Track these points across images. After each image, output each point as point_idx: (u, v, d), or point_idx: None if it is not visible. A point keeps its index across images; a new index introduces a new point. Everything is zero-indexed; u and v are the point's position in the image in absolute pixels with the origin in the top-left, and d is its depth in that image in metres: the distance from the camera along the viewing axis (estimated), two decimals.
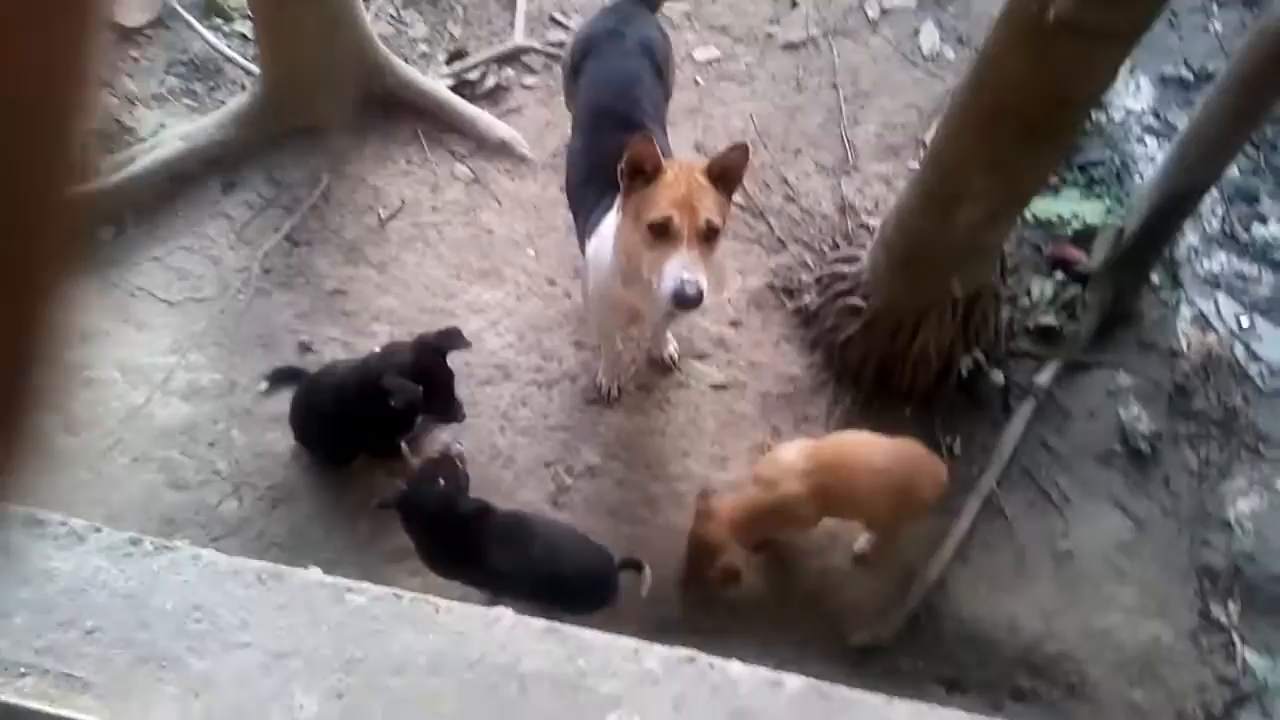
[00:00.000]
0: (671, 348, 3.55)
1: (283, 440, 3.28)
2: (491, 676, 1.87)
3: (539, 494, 3.25)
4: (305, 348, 3.47)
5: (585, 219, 2.99)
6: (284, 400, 3.28)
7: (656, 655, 1.88)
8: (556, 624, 1.87)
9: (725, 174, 2.54)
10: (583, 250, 3.06)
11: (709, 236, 2.49)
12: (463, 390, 3.41)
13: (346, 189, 3.83)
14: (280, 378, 3.34)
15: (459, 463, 2.73)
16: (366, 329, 3.53)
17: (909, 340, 3.39)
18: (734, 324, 3.68)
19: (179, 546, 1.99)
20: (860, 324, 3.45)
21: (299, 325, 3.53)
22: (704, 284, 2.44)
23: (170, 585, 1.91)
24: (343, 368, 3.14)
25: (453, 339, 2.96)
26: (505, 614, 1.91)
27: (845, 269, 3.59)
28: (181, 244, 3.68)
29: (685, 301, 2.43)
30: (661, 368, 3.55)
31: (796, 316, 3.70)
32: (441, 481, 2.64)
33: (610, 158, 2.61)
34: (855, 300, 3.48)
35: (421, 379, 2.84)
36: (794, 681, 1.84)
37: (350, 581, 1.95)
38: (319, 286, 3.61)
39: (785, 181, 4.02)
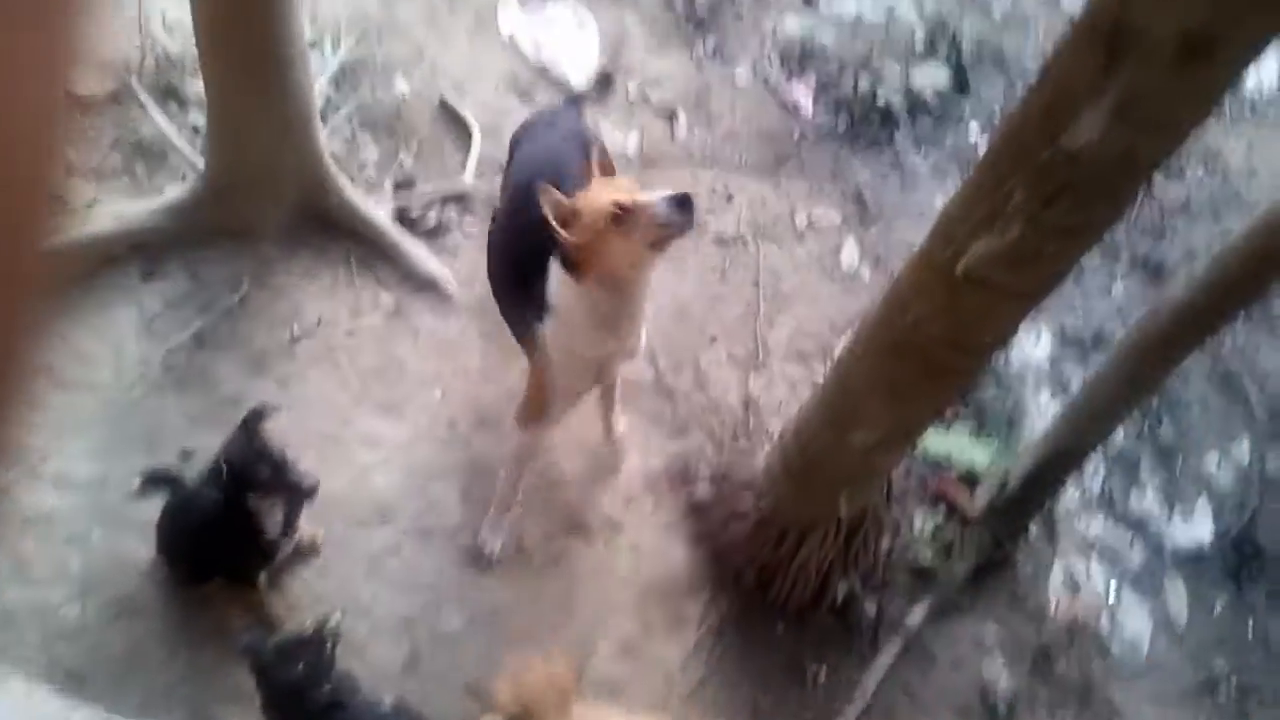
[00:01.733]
0: (622, 424, 3.60)
1: (143, 549, 3.13)
2: None
3: (393, 655, 3.12)
4: (187, 454, 3.34)
5: (523, 296, 2.97)
6: (154, 506, 3.11)
7: None
8: None
9: None
10: (519, 337, 3.10)
11: None
12: (338, 528, 3.33)
13: (265, 298, 3.77)
14: (154, 480, 3.19)
15: (329, 644, 2.58)
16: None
17: (792, 551, 3.42)
18: (627, 501, 3.68)
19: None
20: (747, 527, 3.48)
21: (187, 429, 3.41)
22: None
23: None
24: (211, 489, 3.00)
25: (255, 415, 2.87)
26: None
27: (741, 467, 3.64)
28: (88, 324, 3.55)
29: (684, 203, 2.48)
30: (607, 460, 3.67)
31: (688, 507, 3.71)
32: (301, 666, 2.51)
33: (535, 226, 2.65)
34: (745, 503, 3.51)
35: (249, 460, 2.79)
36: None
37: None
38: (216, 392, 3.51)
39: (696, 366, 4.09)
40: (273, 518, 2.89)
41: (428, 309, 3.92)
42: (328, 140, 4.05)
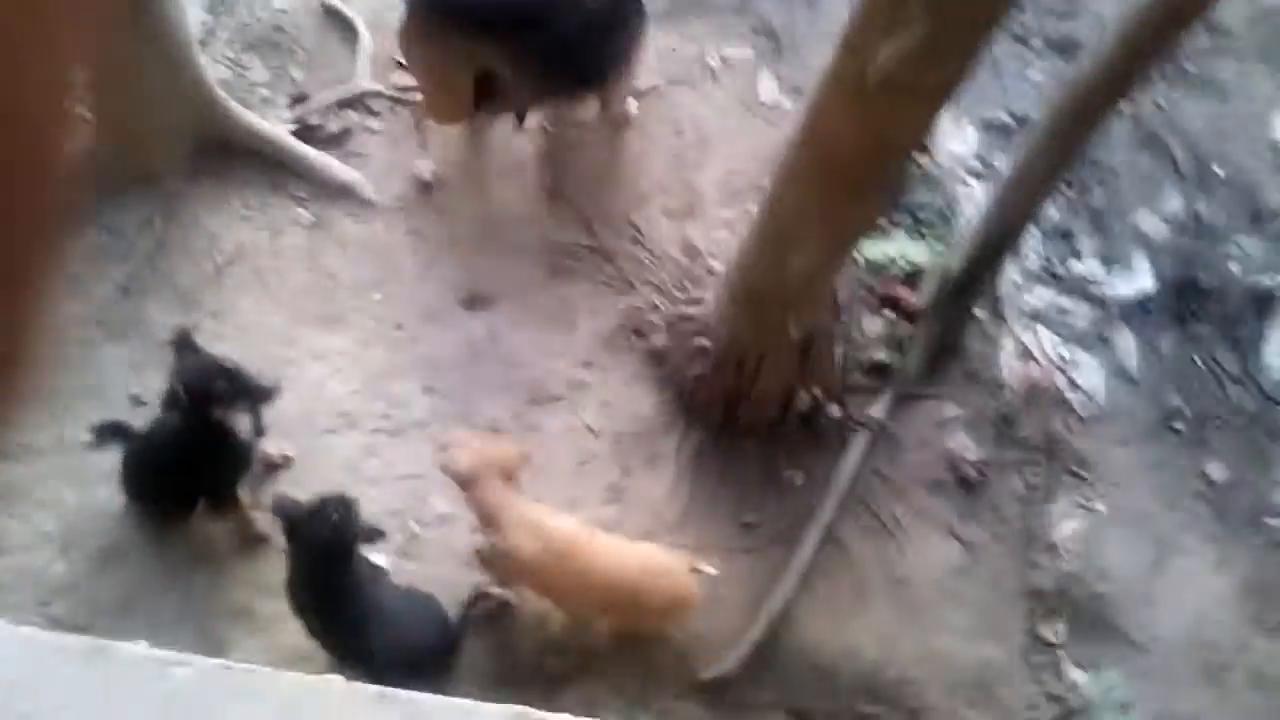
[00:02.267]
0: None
1: (115, 498, 3.15)
2: None
3: (388, 545, 3.19)
4: (137, 401, 3.34)
5: None
6: (116, 456, 3.13)
7: (488, 714, 1.89)
8: (387, 689, 1.86)
9: None
10: None
11: None
12: (305, 441, 3.38)
13: (181, 235, 3.73)
14: (105, 433, 3.19)
15: (354, 502, 2.72)
16: None
17: (752, 378, 3.50)
18: (586, 365, 3.73)
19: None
20: (707, 364, 3.55)
21: (131, 378, 3.40)
22: None
23: None
24: (171, 417, 3.03)
25: (182, 336, 2.94)
26: (336, 681, 1.88)
27: (692, 311, 3.69)
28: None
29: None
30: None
31: (647, 357, 3.77)
32: (334, 519, 2.66)
33: None
34: (702, 341, 3.57)
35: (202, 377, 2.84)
36: None
37: (178, 655, 1.89)
38: (152, 337, 3.49)
39: (633, 225, 4.10)
40: (240, 423, 2.93)
41: (348, 217, 3.88)
42: (213, 67, 3.95)
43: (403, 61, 4.17)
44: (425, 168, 3.99)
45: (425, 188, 3.99)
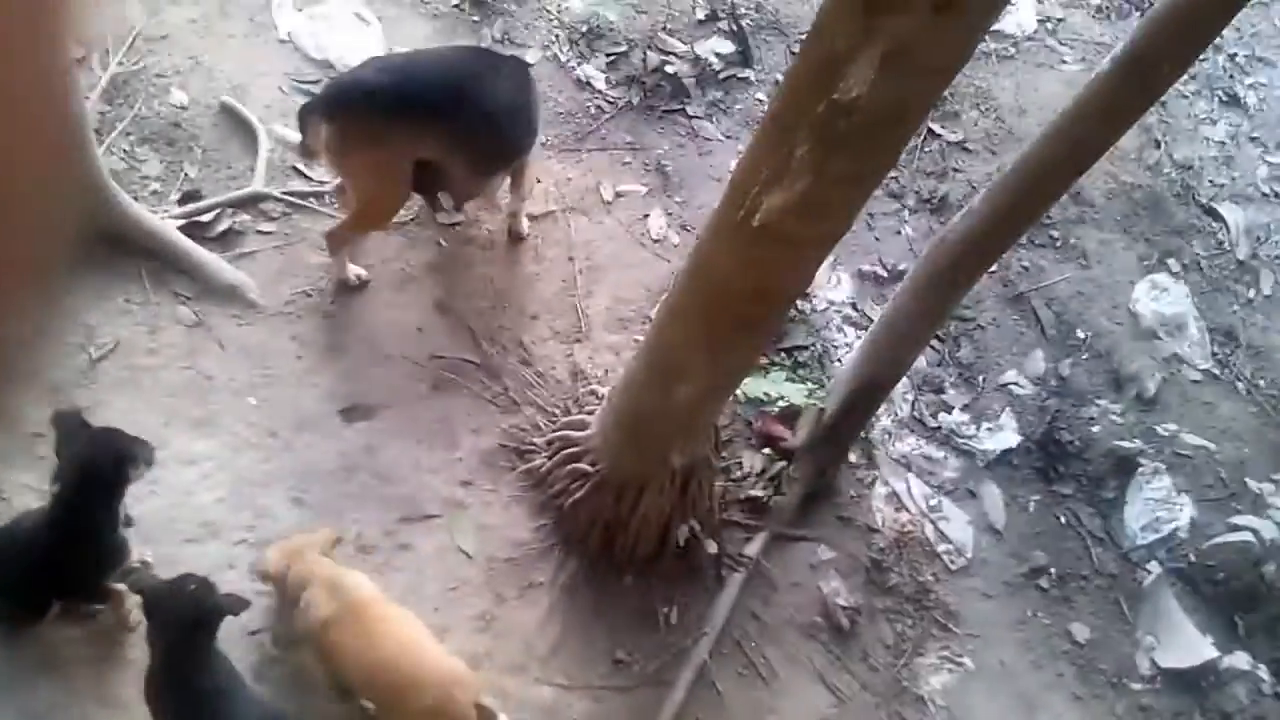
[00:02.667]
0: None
1: None
2: None
3: (240, 665, 3.02)
4: None
5: None
6: None
7: None
8: None
9: None
10: None
11: None
12: (166, 548, 3.22)
13: (56, 325, 3.57)
14: None
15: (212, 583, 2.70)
16: None
17: (632, 507, 3.49)
18: (465, 484, 3.67)
19: None
20: (587, 488, 3.53)
21: None
22: None
23: None
24: (37, 512, 2.94)
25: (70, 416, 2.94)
26: None
27: (575, 434, 3.68)
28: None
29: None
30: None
31: (527, 479, 3.74)
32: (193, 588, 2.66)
33: None
34: (584, 465, 3.56)
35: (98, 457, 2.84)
36: None
37: None
38: (15, 428, 3.30)
39: (521, 345, 4.11)
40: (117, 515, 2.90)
41: (230, 318, 3.79)
42: (105, 158, 3.88)
43: (305, 170, 4.20)
44: (353, 271, 3.98)
45: (349, 289, 3.99)
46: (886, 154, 2.47)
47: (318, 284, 4.00)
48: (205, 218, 4.00)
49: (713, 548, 3.63)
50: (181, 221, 3.94)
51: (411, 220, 4.24)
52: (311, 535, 3.09)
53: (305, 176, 4.29)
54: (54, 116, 0.57)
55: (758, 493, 3.84)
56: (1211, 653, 3.90)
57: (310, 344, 3.83)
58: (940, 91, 2.34)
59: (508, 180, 4.16)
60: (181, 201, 4.04)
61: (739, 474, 3.89)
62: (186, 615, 2.63)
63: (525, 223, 4.36)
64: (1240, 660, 3.92)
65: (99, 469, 2.84)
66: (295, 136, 3.76)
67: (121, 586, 2.98)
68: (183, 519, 3.27)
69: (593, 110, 5.11)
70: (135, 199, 3.89)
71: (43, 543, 2.85)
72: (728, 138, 5.22)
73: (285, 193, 4.19)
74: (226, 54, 4.52)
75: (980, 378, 4.65)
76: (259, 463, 3.48)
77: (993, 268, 4.47)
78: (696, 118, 5.24)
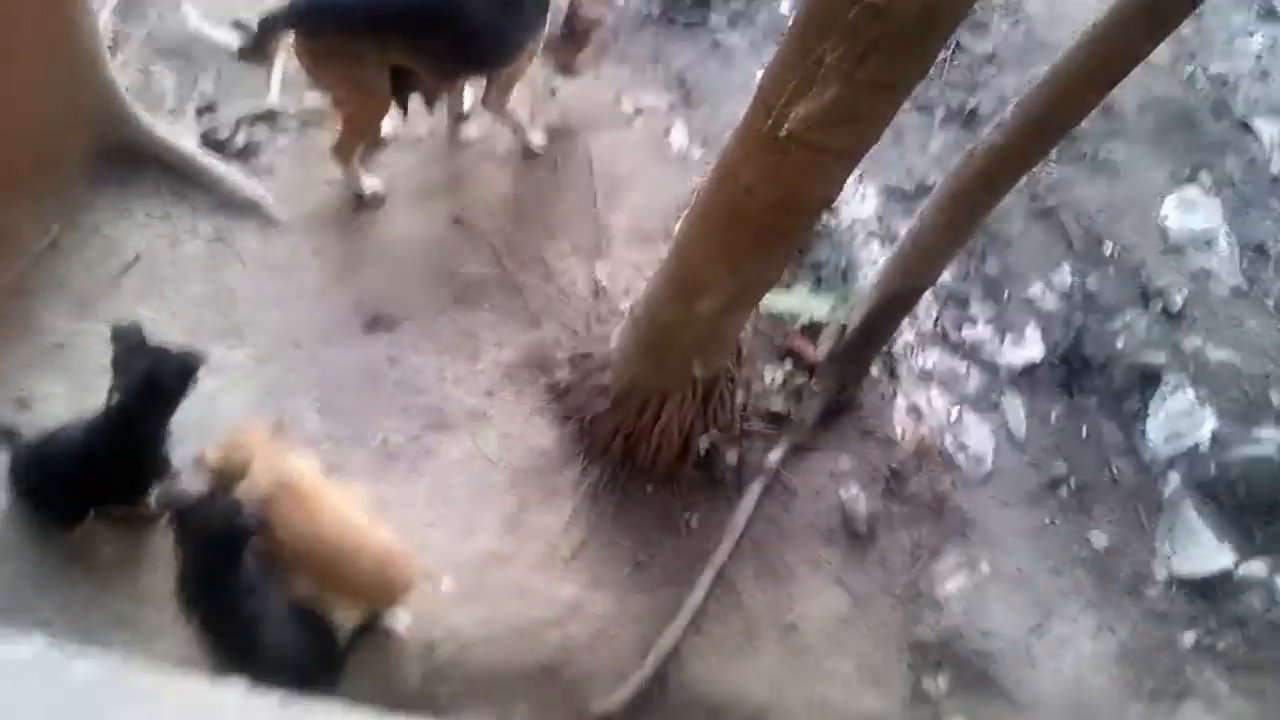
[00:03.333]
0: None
1: None
2: None
3: None
4: (22, 404, 3.22)
5: None
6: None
7: None
8: (290, 697, 1.79)
9: None
10: None
11: None
12: (194, 454, 3.26)
13: (79, 239, 3.61)
14: None
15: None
16: (92, 384, 3.27)
17: (654, 418, 3.52)
18: (488, 395, 3.70)
19: None
20: (609, 401, 3.56)
21: (19, 379, 3.26)
22: None
23: None
24: (83, 422, 3.02)
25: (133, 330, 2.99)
26: (238, 684, 1.80)
27: (596, 349, 3.70)
28: None
29: None
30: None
31: (550, 392, 3.76)
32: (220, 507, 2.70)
33: None
34: (605, 379, 3.59)
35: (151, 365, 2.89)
36: None
37: (77, 649, 1.80)
38: (43, 339, 3.37)
39: (543, 261, 4.11)
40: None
41: (251, 232, 3.81)
42: (121, 74, 3.86)
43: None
44: (370, 183, 3.97)
45: (364, 202, 3.98)
46: (918, 61, 2.40)
47: (336, 198, 3.99)
48: (222, 132, 4.00)
49: (733, 457, 3.65)
50: (199, 136, 3.93)
51: (428, 135, 4.22)
52: (249, 429, 3.08)
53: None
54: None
55: (779, 405, 3.85)
56: (1228, 561, 3.91)
57: (331, 258, 3.84)
58: None
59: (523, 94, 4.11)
60: (198, 115, 4.03)
61: (761, 387, 3.89)
62: (214, 533, 2.67)
63: (538, 137, 4.32)
64: (1257, 569, 3.92)
65: (164, 382, 2.89)
66: (229, 40, 3.82)
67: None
68: (211, 427, 3.30)
69: (611, 23, 5.02)
70: (152, 114, 3.88)
71: (91, 452, 2.92)
72: (751, 49, 5.13)
73: (301, 108, 4.16)
74: None
75: (1005, 291, 4.60)
76: (284, 372, 3.53)
77: (1021, 181, 4.41)
78: (719, 29, 5.14)
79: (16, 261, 3.50)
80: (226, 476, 2.95)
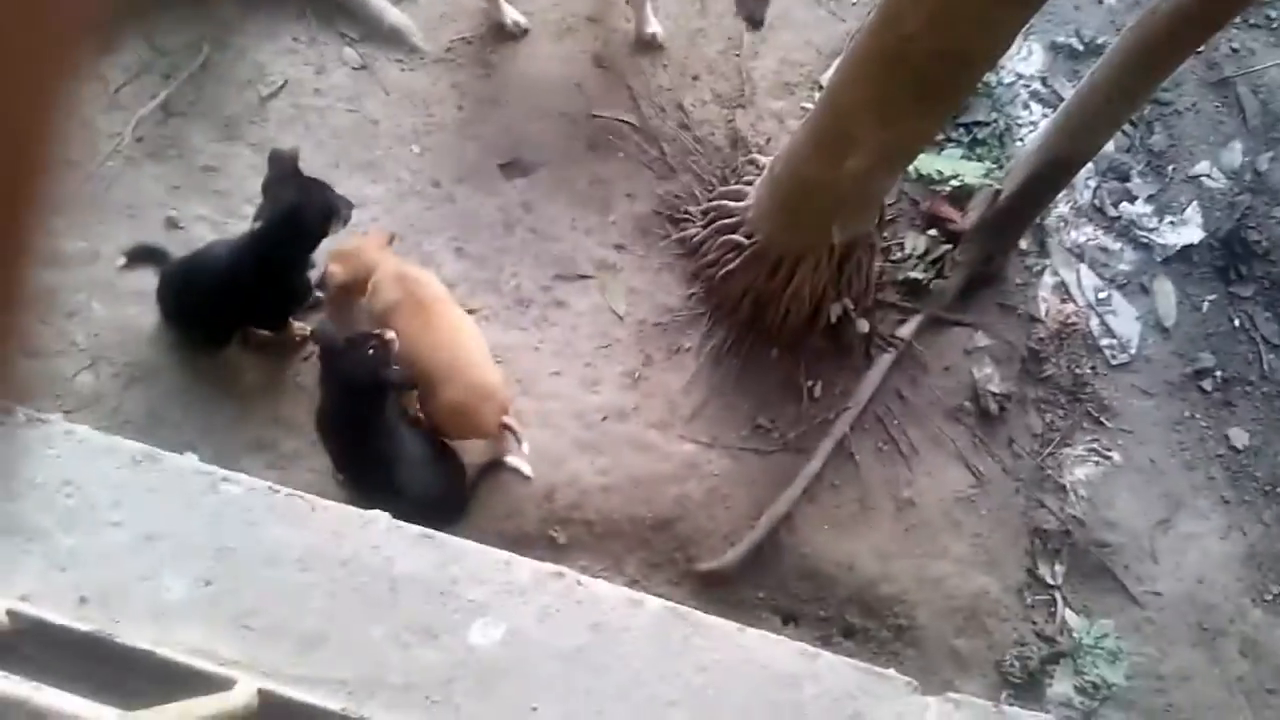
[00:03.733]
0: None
1: (145, 316, 3.17)
2: (362, 577, 1.87)
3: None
4: (172, 224, 3.33)
5: None
6: (149, 275, 3.15)
7: (526, 568, 1.91)
8: (428, 531, 1.88)
9: None
10: None
11: None
12: None
13: (228, 61, 3.63)
14: (139, 256, 3.20)
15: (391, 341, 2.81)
16: (238, 210, 3.39)
17: (785, 280, 3.45)
18: (618, 247, 3.67)
19: (52, 420, 1.91)
20: (740, 260, 3.49)
21: (168, 199, 3.37)
22: None
23: (42, 459, 1.84)
24: (229, 243, 3.08)
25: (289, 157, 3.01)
26: (381, 517, 1.90)
27: (731, 204, 3.61)
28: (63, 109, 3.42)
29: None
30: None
31: (680, 246, 3.71)
32: (370, 351, 2.75)
33: None
34: (738, 236, 3.51)
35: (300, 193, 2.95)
36: (653, 603, 1.91)
37: (226, 471, 1.91)
38: (192, 161, 3.44)
39: (680, 108, 3.98)
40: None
41: (394, 62, 3.78)
42: None
43: None
44: (510, 15, 3.88)
45: (506, 33, 3.89)
46: None
47: (478, 30, 3.91)
48: None
49: (864, 327, 3.58)
50: None
51: None
52: (365, 237, 3.19)
53: None
54: None
55: (918, 275, 3.72)
56: None
57: (470, 94, 3.79)
58: None
59: None
60: None
61: (900, 254, 3.77)
62: (360, 377, 2.75)
63: (652, 25, 4.02)
64: None
65: (306, 219, 2.95)
66: None
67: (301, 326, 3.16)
68: None
69: None
70: None
71: (237, 275, 2.98)
72: None
73: None
74: None
75: (1170, 167, 4.31)
76: (423, 210, 3.55)
77: (1200, 48, 4.05)
78: None
79: (170, 82, 3.54)
80: (352, 288, 3.06)
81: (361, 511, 1.97)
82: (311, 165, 3.49)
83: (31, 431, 1.86)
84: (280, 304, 3.15)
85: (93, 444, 1.90)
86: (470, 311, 3.23)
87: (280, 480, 3.00)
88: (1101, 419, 3.70)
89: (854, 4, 4.36)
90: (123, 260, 3.21)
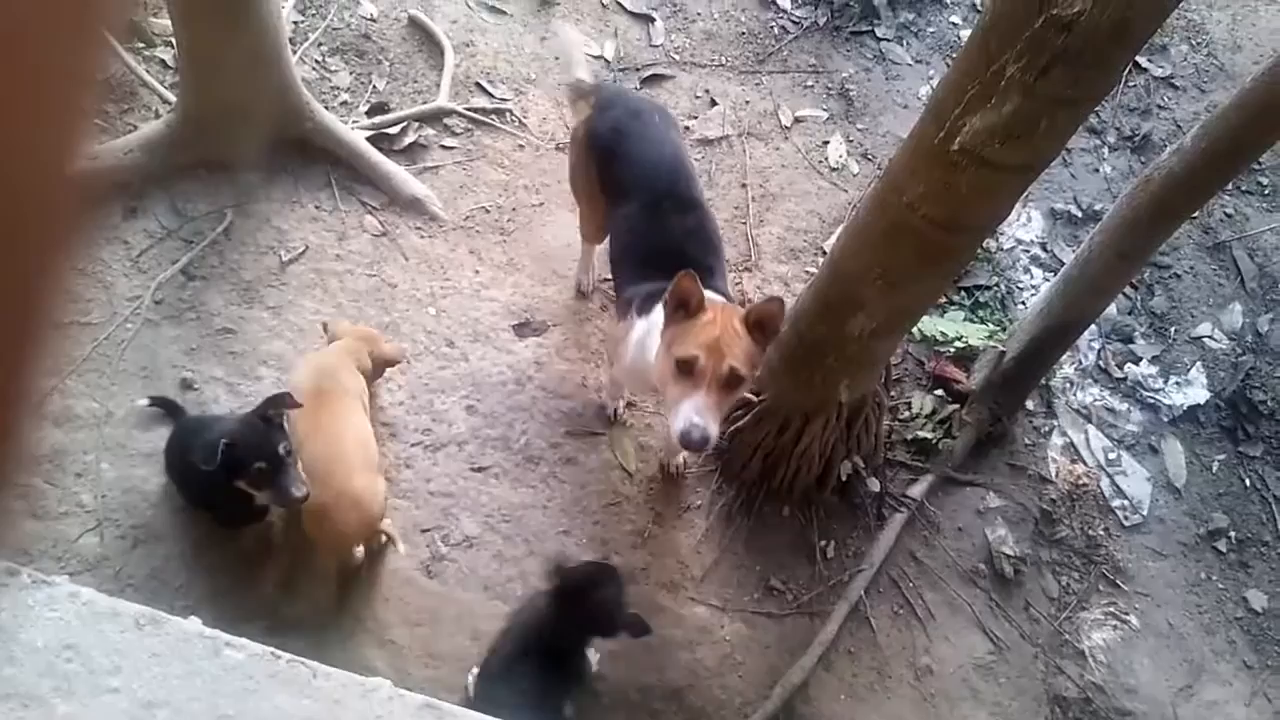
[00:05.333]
0: (681, 458, 3.56)
1: (153, 478, 3.16)
2: None
3: (412, 561, 3.19)
4: (187, 385, 3.36)
5: (629, 292, 3.04)
6: (158, 437, 3.17)
7: None
8: (433, 700, 1.84)
9: (761, 323, 2.61)
10: (620, 316, 3.12)
11: (730, 383, 2.55)
12: None
13: (250, 228, 3.76)
14: (163, 404, 3.24)
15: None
16: (253, 372, 3.44)
17: (794, 439, 3.46)
18: (629, 405, 3.71)
19: (57, 582, 1.90)
20: (750, 418, 3.52)
21: (184, 361, 3.42)
22: (712, 432, 2.51)
23: (44, 621, 1.82)
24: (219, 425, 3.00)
25: (275, 402, 2.87)
26: (383, 685, 1.87)
27: None
28: (73, 265, 3.53)
29: (690, 445, 2.52)
30: (666, 477, 3.57)
31: None
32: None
33: (668, 242, 2.87)
34: (748, 395, 3.55)
35: (248, 449, 2.75)
36: None
37: (229, 636, 1.89)
38: (209, 324, 3.52)
39: None
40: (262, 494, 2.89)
41: (414, 229, 3.91)
42: (299, 67, 4.01)
43: (488, 88, 4.21)
44: (586, 280, 3.93)
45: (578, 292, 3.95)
46: (1103, 76, 2.28)
47: (496, 200, 4.07)
48: (392, 130, 4.11)
49: (875, 486, 3.58)
50: (370, 133, 4.06)
51: None
52: (361, 329, 3.34)
53: (488, 94, 4.34)
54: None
55: (926, 434, 3.75)
56: None
57: (487, 259, 3.91)
58: (1169, 11, 2.16)
59: None
60: (370, 114, 4.16)
61: (907, 414, 3.80)
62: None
63: None
64: None
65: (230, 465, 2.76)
66: (581, 58, 3.61)
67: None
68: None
69: (776, 30, 4.98)
70: (326, 108, 4.02)
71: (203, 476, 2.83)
72: (917, 62, 5.01)
73: (468, 109, 4.25)
74: None
75: (1172, 329, 4.39)
76: (437, 369, 3.61)
77: (1195, 213, 4.18)
78: (885, 40, 5.05)
79: (192, 246, 3.67)
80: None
81: (363, 680, 1.93)
82: None
83: (36, 593, 1.85)
84: (229, 508, 3.07)
85: (97, 606, 1.89)
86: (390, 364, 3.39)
87: (282, 647, 2.96)
88: (1117, 581, 3.64)
89: (855, 175, 4.54)
90: (146, 401, 3.24)
